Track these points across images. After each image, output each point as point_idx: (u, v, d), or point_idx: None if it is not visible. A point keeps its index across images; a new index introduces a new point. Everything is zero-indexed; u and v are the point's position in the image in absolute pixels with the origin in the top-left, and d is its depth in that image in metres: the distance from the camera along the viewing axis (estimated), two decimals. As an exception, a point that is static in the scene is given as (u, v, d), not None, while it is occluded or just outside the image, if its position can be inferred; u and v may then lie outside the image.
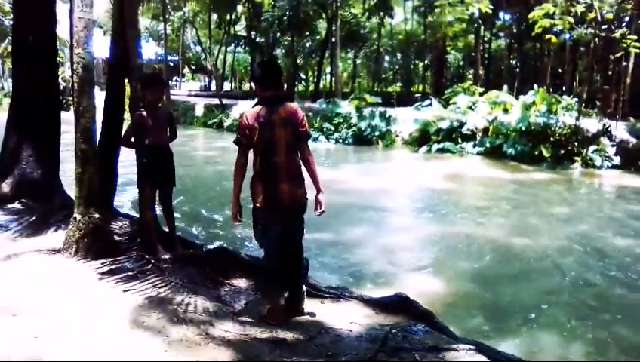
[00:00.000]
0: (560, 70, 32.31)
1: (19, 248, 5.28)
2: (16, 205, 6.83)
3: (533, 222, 9.49)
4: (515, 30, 35.23)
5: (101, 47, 13.33)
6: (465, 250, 7.67)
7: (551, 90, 25.93)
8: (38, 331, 3.46)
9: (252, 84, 3.96)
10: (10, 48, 34.15)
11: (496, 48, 40.69)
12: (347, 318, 4.07)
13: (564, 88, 27.21)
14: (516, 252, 7.60)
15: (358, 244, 7.67)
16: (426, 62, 45.67)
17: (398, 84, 47.97)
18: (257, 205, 3.80)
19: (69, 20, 5.03)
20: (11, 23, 22.65)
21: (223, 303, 4.27)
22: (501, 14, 34.95)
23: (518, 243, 8.01)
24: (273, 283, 4.03)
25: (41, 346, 3.29)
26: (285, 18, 34.81)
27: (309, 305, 4.29)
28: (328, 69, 45.61)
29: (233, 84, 58.04)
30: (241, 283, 4.80)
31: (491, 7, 23.70)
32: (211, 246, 6.27)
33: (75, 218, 4.90)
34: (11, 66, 8.72)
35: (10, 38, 29.47)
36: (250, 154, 3.81)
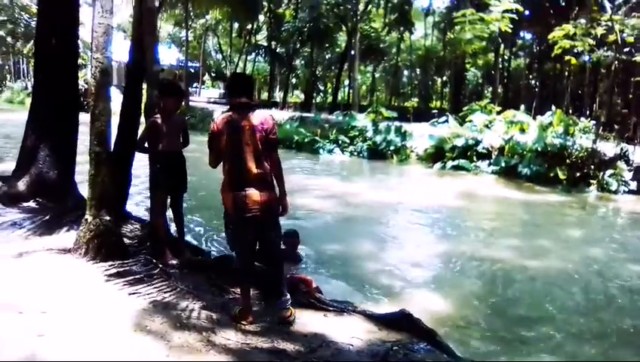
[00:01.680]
0: (580, 92, 32.11)
1: (30, 246, 5.37)
2: (31, 203, 6.96)
3: (544, 244, 9.38)
4: (535, 50, 35.12)
5: (123, 51, 13.53)
6: (473, 270, 7.60)
7: (570, 111, 25.81)
8: (43, 329, 3.52)
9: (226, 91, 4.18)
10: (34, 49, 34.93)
11: (516, 67, 40.56)
12: (349, 332, 4.07)
13: (583, 110, 27.01)
14: (525, 274, 7.51)
15: (366, 258, 7.65)
16: (444, 78, 45.65)
17: (415, 99, 47.92)
18: (227, 210, 3.90)
19: (91, 23, 5.12)
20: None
21: (226, 311, 4.29)
22: (522, 33, 34.90)
23: (528, 265, 7.92)
24: (243, 285, 4.12)
25: (44, 344, 3.34)
26: (306, 30, 35.07)
27: (312, 317, 4.30)
28: (347, 82, 45.73)
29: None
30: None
31: (511, 26, 23.74)
32: (219, 254, 6.32)
33: (87, 219, 4.97)
34: (34, 67, 8.88)
35: (34, 39, 30.09)
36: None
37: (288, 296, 4.17)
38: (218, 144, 3.84)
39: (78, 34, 7.81)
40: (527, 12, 29.16)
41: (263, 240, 4.04)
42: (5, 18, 20.46)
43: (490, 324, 5.68)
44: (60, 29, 7.30)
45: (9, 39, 21.45)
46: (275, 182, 3.98)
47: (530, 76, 38.48)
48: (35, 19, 23.58)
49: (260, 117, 3.86)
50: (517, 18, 24.25)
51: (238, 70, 44.18)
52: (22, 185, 7.19)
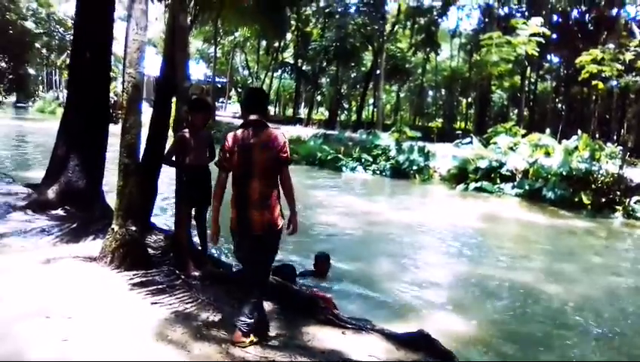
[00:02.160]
0: (608, 116, 31.75)
1: (58, 253, 5.51)
2: (60, 211, 7.13)
3: (566, 269, 9.29)
4: (562, 73, 34.90)
5: (154, 65, 13.85)
6: (493, 292, 7.57)
7: (597, 136, 25.53)
8: (68, 334, 3.62)
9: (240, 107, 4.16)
10: (68, 61, 35.84)
11: (543, 90, 40.30)
12: (367, 351, 4.10)
13: (610, 135, 26.68)
14: (546, 298, 7.46)
15: (385, 277, 7.67)
16: (469, 99, 45.56)
17: (440, 119, 47.88)
18: (231, 227, 3.92)
19: (124, 39, 5.29)
20: (71, 37, 23.77)
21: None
22: (549, 56, 34.76)
23: (549, 289, 7.86)
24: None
25: (68, 349, 3.44)
26: (332, 48, 35.44)
27: (330, 334, 4.33)
28: (371, 100, 45.93)
29: (277, 109, 58.99)
30: (266, 305, 4.85)
31: (538, 49, 23.68)
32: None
33: (113, 229, 5.09)
34: (68, 80, 9.16)
35: (68, 51, 31.02)
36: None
37: (252, 321, 3.92)
38: (229, 161, 3.82)
39: (112, 49, 8.05)
40: (554, 35, 29.15)
41: (254, 258, 3.97)
42: (42, 31, 21.13)
43: (508, 348, 5.66)
44: (94, 43, 7.54)
45: (44, 51, 22.12)
46: (280, 200, 3.94)
47: (557, 99, 38.18)
48: (70, 32, 24.38)
49: (271, 135, 3.81)
50: (544, 42, 24.20)
51: (264, 86, 44.76)
52: (51, 193, 7.38)
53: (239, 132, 3.85)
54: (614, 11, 28.74)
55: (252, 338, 3.90)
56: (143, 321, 4.02)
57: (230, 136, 3.88)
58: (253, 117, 3.86)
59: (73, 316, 3.94)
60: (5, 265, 4.97)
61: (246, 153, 3.76)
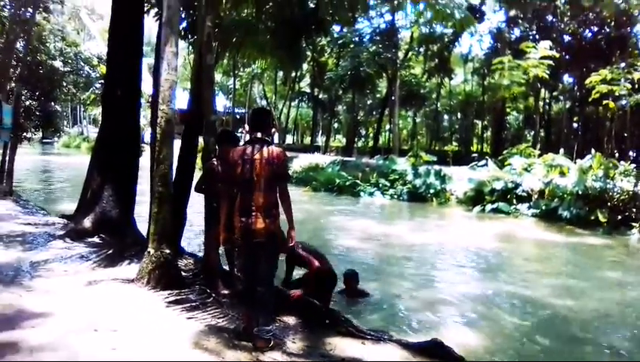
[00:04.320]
0: (625, 135, 31.77)
1: (97, 276, 5.99)
2: (96, 239, 7.64)
3: (582, 286, 9.44)
4: (576, 93, 35.09)
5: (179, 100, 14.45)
6: (508, 308, 7.79)
7: (616, 154, 25.60)
8: (115, 344, 4.05)
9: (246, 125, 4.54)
10: (92, 97, 37.05)
11: (558, 111, 40.44)
12: (385, 359, 4.45)
13: (626, 153, 26.72)
14: (561, 314, 7.63)
15: (403, 295, 7.96)
16: (484, 122, 45.81)
17: (455, 143, 48.13)
18: (234, 235, 4.25)
19: (150, 76, 5.82)
20: (96, 75, 24.70)
21: (273, 336, 4.73)
22: (564, 77, 35.02)
23: (565, 305, 8.04)
24: (245, 304, 4.47)
25: (117, 356, 3.87)
26: (347, 77, 36.08)
27: (350, 344, 4.69)
28: (388, 126, 46.41)
29: (295, 137, 59.84)
30: (290, 320, 5.24)
31: (548, 72, 24.01)
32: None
33: (149, 252, 5.55)
34: (100, 115, 9.76)
35: (93, 87, 32.20)
36: None
37: (270, 328, 4.41)
38: (233, 174, 4.20)
39: (141, 86, 8.66)
40: (567, 56, 29.48)
41: (257, 265, 4.28)
42: (69, 69, 22.16)
43: (520, 358, 5.92)
44: (124, 80, 8.15)
45: (71, 87, 23.15)
46: (279, 213, 4.27)
47: (574, 120, 38.28)
48: (95, 70, 25.42)
49: (272, 152, 4.17)
50: (554, 64, 24.53)
51: (282, 116, 45.56)
52: (87, 222, 7.91)
53: (244, 147, 4.25)
54: (627, 30, 29.11)
55: (272, 343, 4.30)
56: (180, 333, 4.44)
57: (236, 151, 4.28)
58: (257, 135, 4.25)
59: (118, 329, 4.37)
60: (52, 287, 5.45)
61: (249, 166, 4.12)
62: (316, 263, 5.81)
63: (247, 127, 4.48)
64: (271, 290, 4.43)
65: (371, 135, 50.11)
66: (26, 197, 13.97)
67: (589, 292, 9.05)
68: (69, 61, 22.28)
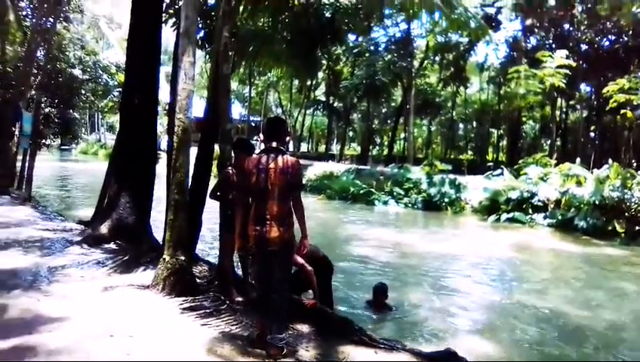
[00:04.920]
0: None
1: (113, 282, 6.06)
2: (112, 245, 7.73)
3: (598, 297, 9.38)
4: (594, 103, 34.80)
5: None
6: (522, 319, 7.75)
7: (634, 164, 25.28)
8: (131, 349, 4.11)
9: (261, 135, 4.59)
10: (110, 105, 37.49)
11: (575, 120, 40.11)
12: (397, 367, 4.46)
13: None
14: (576, 325, 7.60)
15: (417, 304, 7.96)
16: (500, 131, 45.56)
17: (470, 152, 47.91)
18: (248, 243, 4.27)
19: (167, 84, 5.90)
20: (114, 83, 24.99)
21: (286, 344, 4.76)
22: (581, 86, 34.74)
23: (581, 316, 7.99)
24: (259, 311, 4.46)
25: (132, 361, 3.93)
26: (362, 85, 36.16)
27: (363, 353, 4.70)
28: (402, 135, 46.37)
29: (310, 145, 59.96)
30: (304, 328, 5.25)
31: (564, 81, 23.86)
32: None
33: (164, 259, 5.61)
34: (118, 123, 9.90)
35: (111, 95, 32.60)
36: None
37: (284, 336, 4.50)
38: (247, 182, 4.23)
39: (158, 94, 8.78)
40: (584, 65, 29.26)
41: (271, 273, 4.27)
42: (88, 77, 22.49)
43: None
44: (142, 90, 8.27)
45: (89, 95, 23.46)
46: (293, 222, 4.28)
47: (591, 129, 37.93)
48: (113, 78, 25.76)
49: (286, 161, 4.19)
50: (570, 73, 24.39)
51: (297, 124, 45.72)
52: (104, 228, 8.01)
53: (259, 156, 4.27)
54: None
55: (285, 351, 4.34)
56: (194, 339, 4.48)
57: (251, 160, 4.30)
58: (272, 144, 4.27)
59: (134, 335, 4.43)
60: (69, 292, 5.53)
61: (264, 176, 4.14)
62: (308, 268, 5.74)
63: (261, 136, 4.51)
64: (284, 298, 4.41)
65: (386, 143, 50.10)
66: (45, 203, 14.19)
67: (606, 303, 8.98)
68: (88, 69, 22.61)
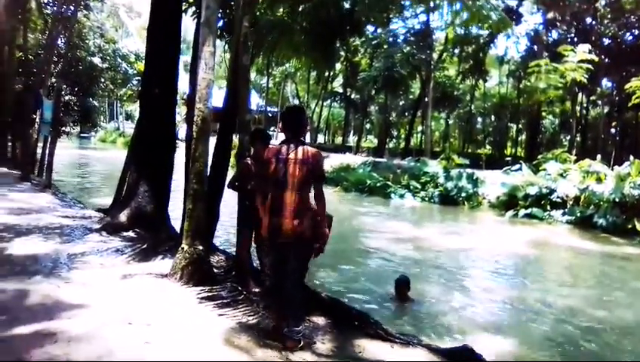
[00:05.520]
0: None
1: (132, 270, 6.10)
2: (131, 233, 7.80)
3: (617, 296, 9.27)
4: (615, 98, 34.26)
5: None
6: (540, 316, 7.70)
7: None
8: (149, 338, 4.13)
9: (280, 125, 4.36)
10: (128, 93, 37.78)
11: (595, 115, 39.54)
12: (414, 362, 4.44)
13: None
14: (593, 324, 7.52)
15: (433, 299, 7.94)
16: (519, 125, 45.10)
17: (489, 146, 47.49)
18: (262, 233, 4.21)
19: (186, 74, 5.90)
20: (133, 72, 25.18)
21: (302, 336, 4.76)
22: (602, 81, 34.24)
23: (598, 315, 7.92)
24: (273, 302, 4.46)
25: (150, 350, 3.95)
26: (380, 78, 35.95)
27: (379, 346, 4.69)
28: (420, 128, 46.10)
29: (326, 137, 59.88)
30: (320, 320, 5.25)
31: (586, 75, 23.50)
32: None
33: (183, 248, 5.63)
34: (137, 111, 9.95)
35: (130, 84, 32.80)
36: None
37: (300, 329, 4.43)
38: (265, 172, 4.16)
39: (177, 84, 8.80)
40: (606, 60, 28.77)
41: (285, 265, 4.21)
42: (108, 66, 22.66)
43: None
44: (162, 80, 8.30)
45: (109, 83, 23.70)
46: (311, 214, 4.18)
47: (612, 125, 37.37)
48: (132, 67, 25.92)
49: (307, 152, 4.12)
50: (592, 68, 24.03)
51: (315, 115, 45.65)
52: (123, 216, 8.08)
53: (278, 146, 4.20)
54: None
55: (302, 343, 4.32)
56: (211, 329, 4.49)
57: (270, 149, 4.25)
58: (291, 134, 4.21)
59: (152, 323, 4.45)
60: (88, 280, 5.58)
61: (283, 166, 4.07)
62: None
63: (280, 126, 4.38)
64: (298, 290, 4.38)
65: (403, 136, 49.89)
66: (64, 190, 14.34)
67: (624, 303, 8.88)
68: (108, 58, 22.80)
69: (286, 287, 4.24)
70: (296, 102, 53.22)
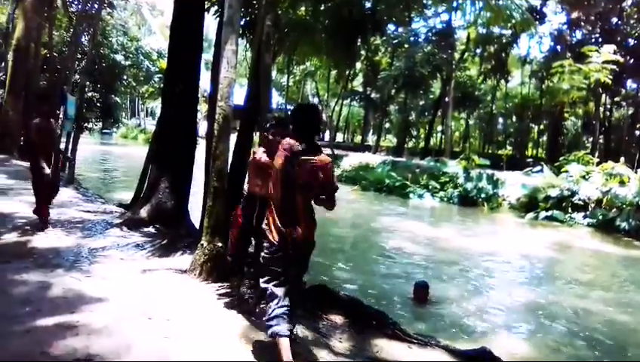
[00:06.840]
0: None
1: (152, 265, 6.17)
2: (151, 229, 7.88)
3: (639, 300, 9.14)
4: (640, 100, 33.69)
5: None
6: (559, 320, 7.61)
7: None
8: (168, 333, 4.18)
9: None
10: (150, 90, 38.14)
11: (619, 117, 38.90)
12: (431, 363, 4.43)
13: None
14: (614, 329, 7.42)
15: (452, 300, 7.89)
16: (541, 126, 44.56)
17: (509, 147, 46.97)
18: (272, 240, 3.86)
19: (207, 72, 5.92)
20: (155, 69, 25.45)
21: (320, 334, 4.77)
22: (627, 82, 33.68)
23: (619, 319, 7.81)
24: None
25: (170, 344, 3.99)
26: (401, 77, 35.75)
27: (397, 347, 4.68)
28: (440, 128, 45.80)
29: (346, 136, 59.83)
30: (338, 319, 5.26)
31: (611, 77, 23.15)
32: (314, 284, 6.85)
33: (202, 244, 5.68)
34: (159, 108, 10.06)
35: (152, 81, 33.17)
36: None
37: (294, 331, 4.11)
38: (274, 176, 3.86)
39: (199, 82, 8.87)
40: (631, 61, 28.30)
41: (290, 271, 3.96)
42: (130, 63, 22.94)
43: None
44: (184, 77, 8.37)
45: (131, 80, 23.99)
46: (315, 220, 3.94)
47: (636, 127, 36.71)
48: (155, 65, 26.20)
49: (319, 161, 3.77)
50: (617, 69, 23.66)
51: (334, 114, 45.62)
52: (143, 212, 8.17)
53: (290, 150, 3.79)
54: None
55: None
56: (229, 325, 4.53)
57: (280, 154, 3.85)
58: (302, 136, 3.81)
59: (171, 318, 4.50)
60: (109, 274, 5.65)
61: (293, 171, 3.73)
62: None
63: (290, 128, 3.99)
64: (300, 297, 4.31)
65: (422, 136, 49.60)
66: (86, 186, 14.54)
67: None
68: (130, 55, 23.08)
69: (292, 292, 4.02)
70: (316, 100, 53.29)
